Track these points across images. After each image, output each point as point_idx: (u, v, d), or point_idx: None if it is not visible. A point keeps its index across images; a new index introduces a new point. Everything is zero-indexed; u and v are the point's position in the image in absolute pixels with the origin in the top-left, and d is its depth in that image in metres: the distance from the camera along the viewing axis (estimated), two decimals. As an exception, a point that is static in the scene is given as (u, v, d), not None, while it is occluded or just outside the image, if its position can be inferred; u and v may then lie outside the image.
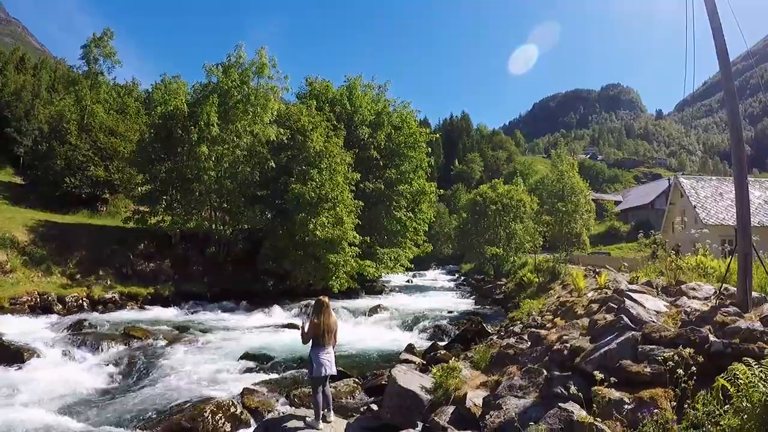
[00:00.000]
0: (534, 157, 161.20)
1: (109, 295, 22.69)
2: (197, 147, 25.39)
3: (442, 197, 60.60)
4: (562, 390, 5.27)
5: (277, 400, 10.37)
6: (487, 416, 5.40)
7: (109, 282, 23.75)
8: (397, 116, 36.74)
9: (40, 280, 21.94)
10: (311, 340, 7.94)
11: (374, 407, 9.62)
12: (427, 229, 39.46)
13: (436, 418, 6.60)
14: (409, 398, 8.02)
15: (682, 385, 3.96)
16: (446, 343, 15.56)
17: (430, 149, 37.77)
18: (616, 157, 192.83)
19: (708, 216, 29.96)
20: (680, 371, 4.01)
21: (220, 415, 8.99)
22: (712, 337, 5.67)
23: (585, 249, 35.47)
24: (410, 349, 14.73)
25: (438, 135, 47.93)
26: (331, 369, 7.98)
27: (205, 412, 8.93)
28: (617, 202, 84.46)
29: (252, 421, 9.22)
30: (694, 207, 31.05)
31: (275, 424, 7.82)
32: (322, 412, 7.80)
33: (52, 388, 10.59)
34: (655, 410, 3.97)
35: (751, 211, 7.72)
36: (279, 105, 30.18)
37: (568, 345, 6.86)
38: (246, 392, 10.27)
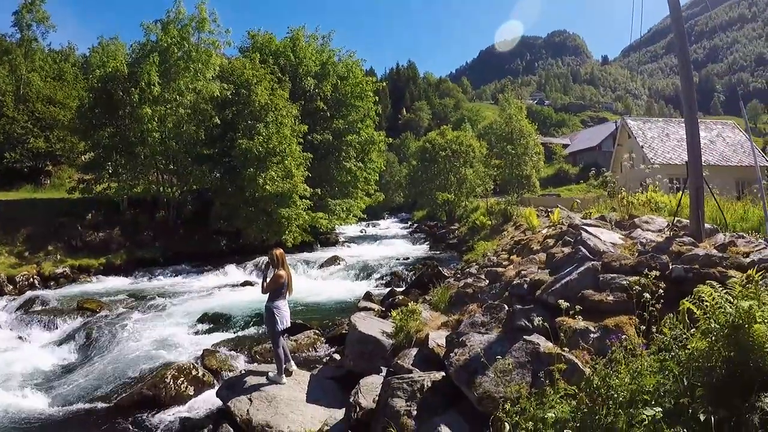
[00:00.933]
0: (482, 104, 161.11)
1: (60, 270, 21.78)
2: (139, 108, 24.10)
3: (391, 146, 60.19)
4: (526, 323, 5.22)
5: (239, 359, 10.28)
6: (452, 354, 5.30)
7: (59, 256, 22.77)
8: (342, 66, 35.90)
9: (-14, 262, 20.90)
10: (271, 293, 7.79)
11: (337, 356, 9.62)
12: (377, 178, 39.26)
13: (399, 361, 6.51)
14: (370, 344, 7.97)
15: (650, 308, 3.90)
16: (404, 288, 15.64)
17: (377, 98, 37.28)
18: (563, 101, 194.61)
19: (655, 155, 30.74)
20: (647, 295, 3.94)
21: (182, 379, 8.77)
22: (672, 264, 5.73)
23: (535, 191, 36.16)
24: (368, 296, 14.73)
25: (385, 84, 47.08)
26: (288, 321, 7.92)
27: (167, 378, 8.68)
28: (565, 146, 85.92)
29: (215, 381, 9.08)
30: (642, 147, 31.77)
31: (238, 382, 7.69)
32: (285, 365, 7.74)
33: (8, 372, 10.01)
34: (623, 336, 3.92)
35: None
36: (221, 60, 29.00)
37: (528, 279, 6.85)
38: (206, 354, 10.03)
